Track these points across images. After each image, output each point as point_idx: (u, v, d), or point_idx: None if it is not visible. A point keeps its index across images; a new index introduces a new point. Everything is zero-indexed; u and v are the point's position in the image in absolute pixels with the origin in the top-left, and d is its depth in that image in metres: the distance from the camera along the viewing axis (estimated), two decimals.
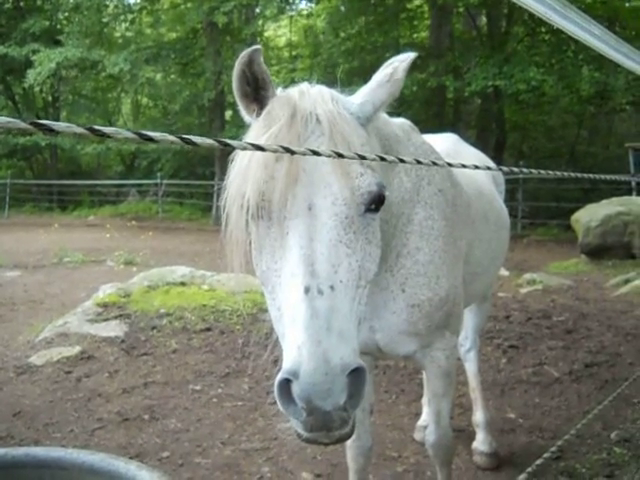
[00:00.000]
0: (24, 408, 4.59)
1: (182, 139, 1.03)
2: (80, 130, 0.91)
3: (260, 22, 24.34)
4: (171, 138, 1.01)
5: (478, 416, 3.99)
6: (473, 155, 3.60)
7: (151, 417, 4.44)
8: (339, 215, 1.50)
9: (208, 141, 1.07)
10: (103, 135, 0.92)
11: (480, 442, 3.90)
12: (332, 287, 1.44)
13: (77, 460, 1.81)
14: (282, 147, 1.15)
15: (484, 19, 19.75)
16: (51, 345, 5.90)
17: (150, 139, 0.98)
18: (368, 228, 1.57)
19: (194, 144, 1.04)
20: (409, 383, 5.14)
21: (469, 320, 4.01)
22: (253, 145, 1.12)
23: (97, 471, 1.78)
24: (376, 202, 1.56)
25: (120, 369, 5.25)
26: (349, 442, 2.81)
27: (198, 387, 4.96)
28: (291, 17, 27.14)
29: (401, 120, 2.49)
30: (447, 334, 2.49)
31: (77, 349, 5.58)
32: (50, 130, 0.87)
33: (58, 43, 24.25)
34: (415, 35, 21.94)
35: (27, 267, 11.59)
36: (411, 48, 21.91)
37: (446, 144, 3.42)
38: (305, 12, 25.68)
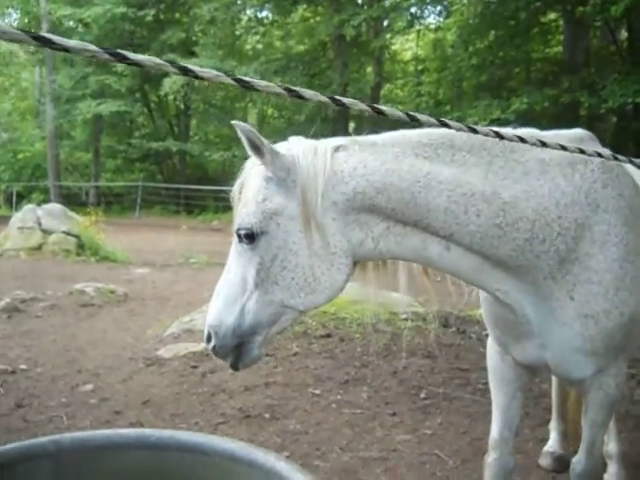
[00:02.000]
0: (152, 398, 4.79)
1: (287, 89, 1.02)
2: (170, 68, 0.91)
3: (388, 36, 24.44)
4: (277, 89, 1.00)
5: (611, 447, 3.74)
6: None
7: (272, 416, 4.50)
8: (235, 238, 2.10)
9: (321, 98, 1.05)
10: (197, 77, 0.91)
11: (613, 475, 3.64)
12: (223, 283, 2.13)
13: (218, 446, 1.84)
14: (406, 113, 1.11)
15: (624, 33, 18.82)
16: (178, 340, 6.13)
17: (250, 87, 0.98)
18: (244, 254, 2.06)
19: (302, 97, 1.03)
20: (534, 407, 4.91)
21: None
22: (371, 106, 1.09)
23: (237, 459, 1.80)
24: (243, 237, 2.03)
25: None
26: (489, 460, 2.69)
27: (318, 391, 4.98)
28: (419, 31, 27.07)
29: (575, 130, 2.41)
30: (621, 358, 2.31)
31: (202, 345, 5.73)
32: (137, 64, 0.88)
33: (193, 54, 25.46)
34: (548, 50, 21.24)
35: (155, 265, 12.16)
36: (543, 63, 21.27)
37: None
38: (433, 26, 25.54)
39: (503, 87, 18.92)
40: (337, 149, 2.06)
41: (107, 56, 0.93)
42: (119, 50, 0.99)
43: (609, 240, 2.14)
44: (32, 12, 30.59)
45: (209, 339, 2.10)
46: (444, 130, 2.09)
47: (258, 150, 1.98)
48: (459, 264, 2.11)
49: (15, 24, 34.31)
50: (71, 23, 29.95)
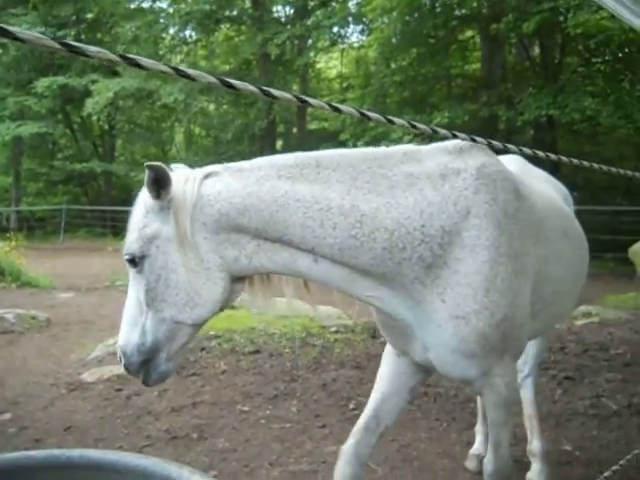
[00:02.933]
0: (75, 423, 4.64)
1: (262, 90, 1.04)
2: (165, 68, 0.92)
3: (312, 54, 24.68)
4: (251, 88, 1.02)
5: (535, 445, 3.82)
6: (542, 177, 3.52)
7: (199, 436, 4.43)
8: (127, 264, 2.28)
9: (287, 95, 1.08)
10: (187, 77, 0.92)
11: (536, 473, 3.73)
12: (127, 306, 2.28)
13: (130, 463, 1.80)
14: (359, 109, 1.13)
15: (537, 50, 19.62)
16: (102, 363, 5.97)
17: (230, 86, 1.01)
18: (135, 278, 2.24)
19: (273, 97, 1.05)
20: (460, 412, 5.01)
21: (531, 346, 3.77)
22: (330, 105, 1.12)
23: (150, 475, 1.76)
24: (129, 262, 2.23)
25: (169, 388, 5.27)
26: (345, 446, 2.69)
27: (246, 408, 4.94)
28: (342, 50, 27.46)
29: (455, 141, 2.44)
30: (506, 359, 2.39)
31: None
32: (138, 65, 0.88)
33: (116, 74, 25.03)
34: (466, 66, 21.91)
35: (80, 289, 11.83)
36: (463, 79, 21.90)
37: (515, 165, 3.39)
38: (356, 45, 25.97)
39: (425, 102, 19.37)
40: (208, 176, 2.23)
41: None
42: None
43: (479, 244, 2.23)
44: None
45: (121, 359, 2.28)
46: (313, 152, 2.32)
47: (160, 188, 2.16)
48: (329, 275, 2.23)
49: None
50: None
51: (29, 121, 26.62)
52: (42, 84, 24.71)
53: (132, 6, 26.53)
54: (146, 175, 2.15)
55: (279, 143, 28.01)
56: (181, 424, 4.62)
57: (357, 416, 4.83)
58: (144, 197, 2.25)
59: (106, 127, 31.33)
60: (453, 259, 2.23)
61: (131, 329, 2.23)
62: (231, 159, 2.60)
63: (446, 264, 2.22)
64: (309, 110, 27.10)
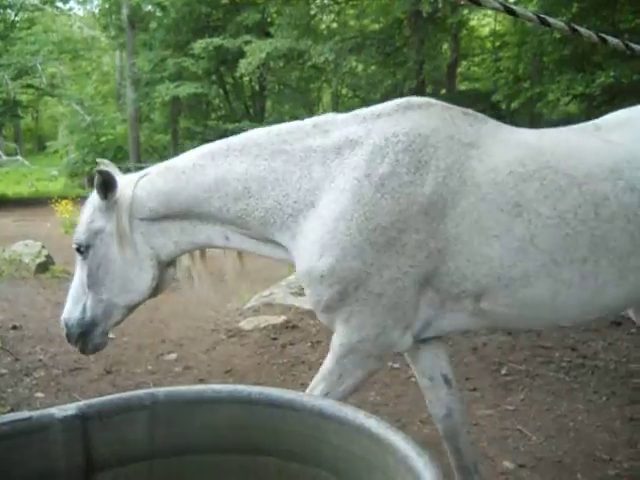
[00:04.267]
0: (235, 367, 4.91)
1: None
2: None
3: (465, 11, 23.84)
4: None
5: None
6: None
7: None
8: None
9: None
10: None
11: None
12: (72, 286, 2.67)
13: (307, 403, 1.85)
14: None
15: None
16: (258, 313, 6.24)
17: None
18: (81, 263, 2.59)
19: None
20: (621, 386, 4.77)
21: None
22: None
23: (325, 415, 1.80)
24: (76, 250, 2.58)
25: (322, 340, 5.41)
26: None
27: (397, 365, 4.98)
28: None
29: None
30: (341, 327, 2.43)
31: (282, 318, 5.84)
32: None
33: (268, 35, 25.55)
34: (637, 20, 20.21)
35: None
36: (632, 34, 20.27)
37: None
38: None
39: (588, 60, 18.14)
40: (142, 177, 2.56)
41: None
42: None
43: (331, 215, 2.28)
44: None
45: (64, 329, 2.66)
46: (232, 137, 2.55)
47: (107, 191, 2.49)
48: (243, 245, 2.58)
49: (96, 10, 35.43)
50: (149, 7, 30.55)
51: (186, 82, 27.88)
52: (199, 45, 25.67)
53: None
54: (95, 179, 2.48)
55: None
56: None
57: (509, 382, 4.78)
58: (94, 197, 2.58)
59: (257, 88, 32.20)
60: (310, 229, 2.33)
61: (74, 306, 2.61)
62: None
63: (302, 232, 2.35)
64: (460, 70, 26.37)
